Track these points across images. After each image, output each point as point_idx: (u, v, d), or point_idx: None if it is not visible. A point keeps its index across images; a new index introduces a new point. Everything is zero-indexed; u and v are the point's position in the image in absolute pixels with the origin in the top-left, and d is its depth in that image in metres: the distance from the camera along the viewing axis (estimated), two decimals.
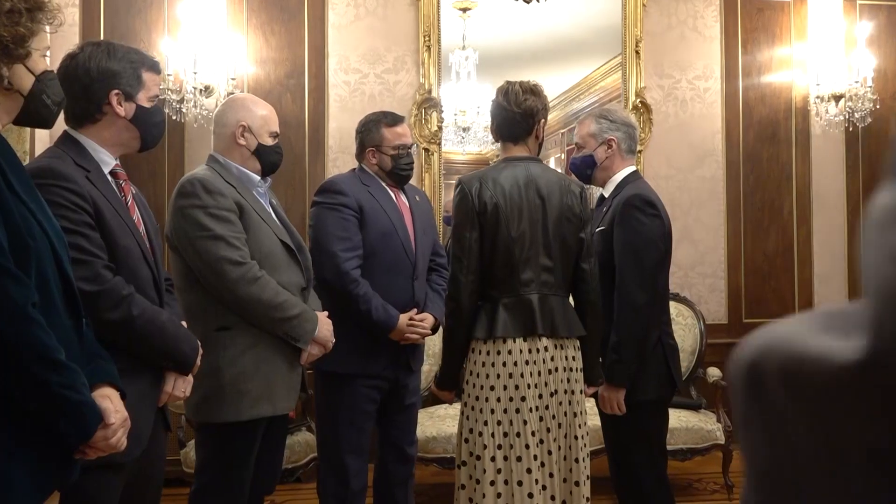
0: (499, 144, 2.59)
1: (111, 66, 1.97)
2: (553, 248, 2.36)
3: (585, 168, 2.66)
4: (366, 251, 2.74)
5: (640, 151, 4.73)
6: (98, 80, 1.95)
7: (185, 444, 3.53)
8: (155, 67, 2.07)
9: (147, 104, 2.03)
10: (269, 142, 2.47)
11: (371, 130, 2.88)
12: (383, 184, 2.88)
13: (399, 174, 2.88)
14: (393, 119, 2.90)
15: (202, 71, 4.16)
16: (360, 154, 2.91)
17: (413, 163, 2.90)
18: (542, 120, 2.46)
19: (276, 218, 2.47)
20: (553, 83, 4.89)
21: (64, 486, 1.50)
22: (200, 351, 2.02)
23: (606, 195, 2.64)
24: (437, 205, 4.57)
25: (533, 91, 2.43)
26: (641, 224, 2.47)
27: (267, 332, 2.32)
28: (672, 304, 4.26)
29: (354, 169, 2.94)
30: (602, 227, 2.55)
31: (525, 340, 2.32)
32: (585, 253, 2.43)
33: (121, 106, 1.98)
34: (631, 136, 2.67)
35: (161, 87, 3.77)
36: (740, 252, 4.96)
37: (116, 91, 1.97)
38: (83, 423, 1.45)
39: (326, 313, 2.46)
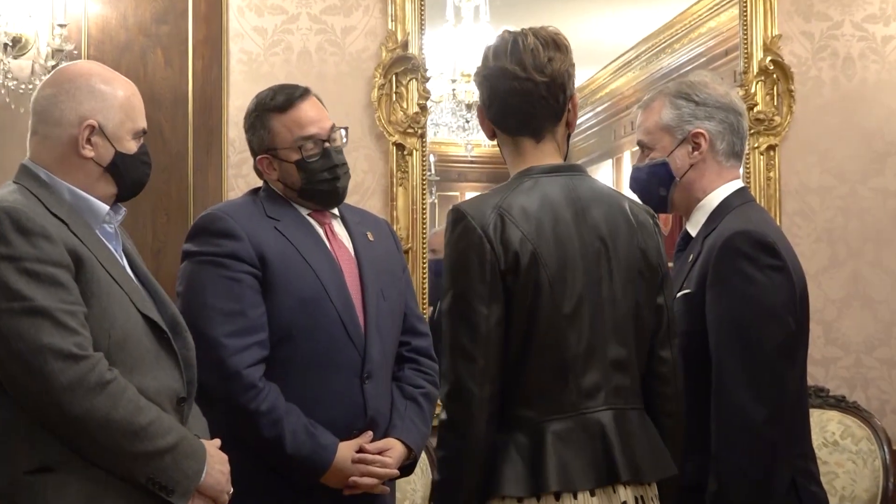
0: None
1: None
2: (627, 327, 2.10)
3: (657, 185, 2.45)
4: (275, 334, 2.55)
5: (774, 146, 4.05)
6: None
7: None
8: None
9: None
10: (132, 146, 2.23)
11: (256, 126, 2.69)
12: (302, 211, 2.67)
13: (318, 191, 2.63)
14: (285, 99, 2.66)
15: (8, 13, 3.55)
16: (257, 167, 2.75)
17: (342, 164, 2.65)
18: (574, 95, 2.19)
19: (133, 275, 2.26)
20: (624, 26, 4.51)
21: None
22: None
23: (694, 232, 2.43)
24: (414, 241, 3.81)
25: (556, 44, 2.12)
26: (753, 283, 2.21)
27: (119, 476, 2.07)
28: (833, 416, 3.77)
29: (257, 190, 2.73)
30: (687, 290, 2.34)
31: (594, 494, 2.02)
32: (665, 331, 2.16)
33: None
34: (734, 128, 2.43)
35: None
36: None
37: None
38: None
39: (218, 442, 2.24)
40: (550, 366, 2.08)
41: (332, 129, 2.62)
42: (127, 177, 2.23)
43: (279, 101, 2.63)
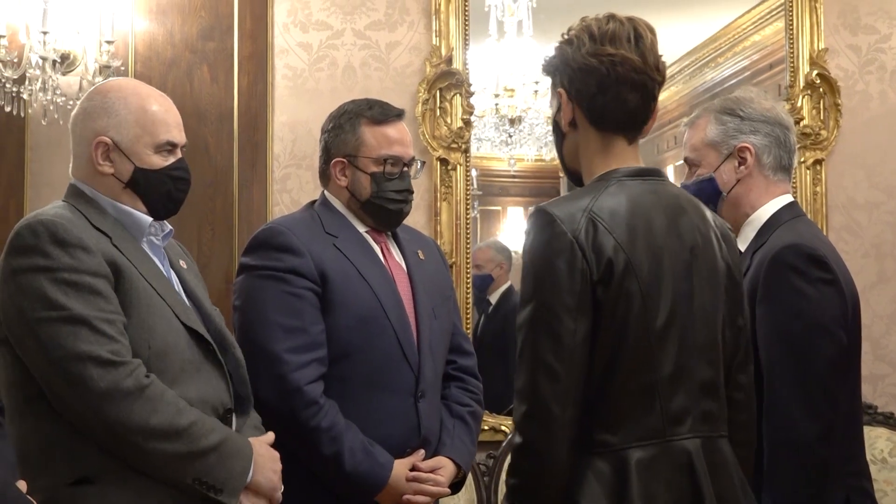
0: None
1: None
2: (714, 346, 2.02)
3: (705, 201, 2.37)
4: (332, 352, 2.58)
5: (820, 160, 4.10)
6: None
7: None
8: None
9: None
10: (157, 161, 2.26)
11: (344, 128, 2.70)
12: (361, 228, 2.70)
13: (383, 209, 2.67)
14: (382, 112, 2.71)
15: (57, 30, 3.58)
16: (325, 171, 2.73)
17: (411, 192, 2.70)
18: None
19: (180, 289, 2.31)
20: (667, 40, 4.36)
21: None
22: None
23: (743, 248, 2.42)
24: (458, 256, 3.88)
25: (654, 34, 2.03)
26: (803, 296, 2.24)
27: (165, 479, 2.11)
28: (881, 433, 3.84)
29: (312, 204, 2.77)
30: None
31: None
32: (744, 354, 2.09)
33: None
34: (781, 142, 2.44)
35: None
36: None
37: None
38: None
39: (269, 438, 2.28)
40: (637, 387, 1.99)
41: (413, 158, 2.70)
42: (151, 193, 2.25)
43: (376, 113, 2.67)
